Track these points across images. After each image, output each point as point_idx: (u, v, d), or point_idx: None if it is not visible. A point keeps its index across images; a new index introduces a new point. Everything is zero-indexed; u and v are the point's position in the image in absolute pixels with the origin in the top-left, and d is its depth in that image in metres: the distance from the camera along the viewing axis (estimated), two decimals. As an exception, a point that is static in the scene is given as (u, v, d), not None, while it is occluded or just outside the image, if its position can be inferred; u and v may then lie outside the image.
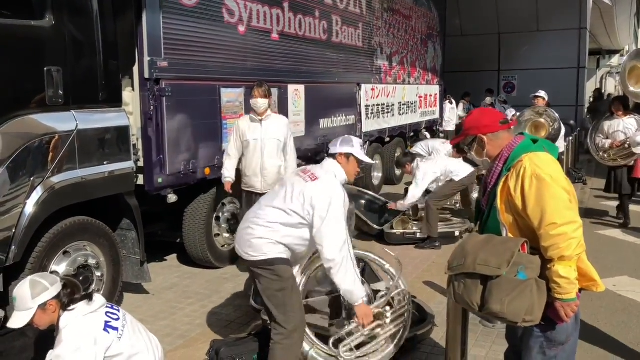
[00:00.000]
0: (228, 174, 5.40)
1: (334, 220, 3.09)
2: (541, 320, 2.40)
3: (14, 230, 3.79)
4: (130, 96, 4.91)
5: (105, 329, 2.83)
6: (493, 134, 2.59)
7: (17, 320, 2.75)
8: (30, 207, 3.87)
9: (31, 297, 2.73)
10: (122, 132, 4.63)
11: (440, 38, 13.28)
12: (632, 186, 7.72)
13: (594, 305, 4.77)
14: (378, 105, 9.78)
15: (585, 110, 16.09)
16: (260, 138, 5.29)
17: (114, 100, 4.60)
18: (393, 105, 10.48)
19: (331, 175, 3.25)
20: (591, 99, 17.00)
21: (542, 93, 8.32)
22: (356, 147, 3.38)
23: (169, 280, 5.66)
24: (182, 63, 5.24)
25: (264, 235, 3.19)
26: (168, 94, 5.03)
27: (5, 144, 3.71)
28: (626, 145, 7.52)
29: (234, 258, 6.15)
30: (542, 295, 2.36)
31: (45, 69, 3.97)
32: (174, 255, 6.42)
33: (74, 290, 2.87)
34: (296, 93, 7.13)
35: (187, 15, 5.28)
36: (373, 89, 9.53)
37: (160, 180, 5.08)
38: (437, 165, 7.01)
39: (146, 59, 4.84)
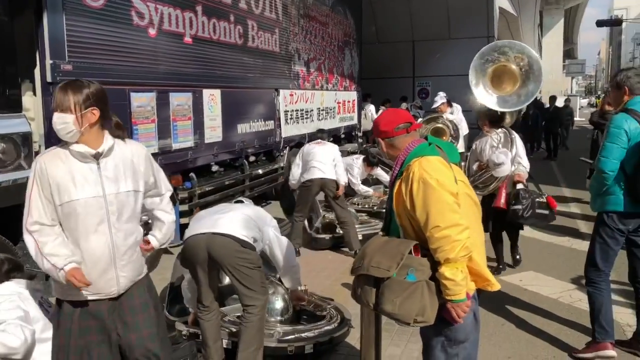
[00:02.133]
0: None
1: None
2: (440, 320, 2.47)
3: None
4: (32, 101, 4.64)
5: (39, 304, 3.02)
6: (389, 138, 2.64)
7: None
8: None
9: None
10: (23, 139, 4.38)
11: (356, 45, 13.54)
12: (498, 223, 5.70)
13: (502, 300, 5.00)
14: (297, 110, 9.82)
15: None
16: None
17: (13, 106, 4.35)
18: (312, 110, 10.56)
19: None
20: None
21: (439, 100, 8.63)
22: None
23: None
24: (89, 66, 5.02)
25: None
26: (73, 98, 4.79)
27: None
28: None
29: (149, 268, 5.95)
30: (433, 296, 2.40)
31: None
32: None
33: (12, 264, 3.10)
34: (212, 98, 7.02)
35: (93, 17, 5.07)
36: (291, 95, 9.56)
37: (66, 189, 4.82)
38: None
39: (48, 62, 4.60)
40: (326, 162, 6.51)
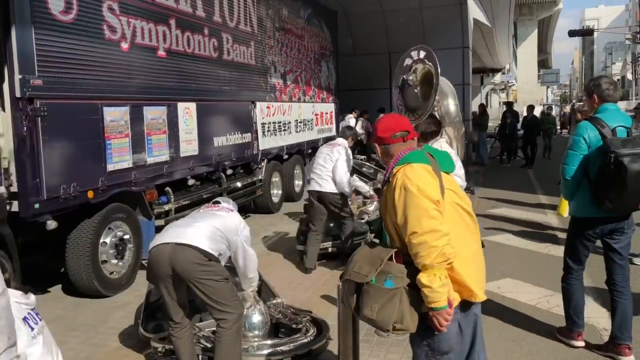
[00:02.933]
0: None
1: None
2: (424, 329, 2.46)
3: None
4: (0, 117, 4.55)
5: (23, 320, 2.75)
6: (385, 145, 2.65)
7: None
8: None
9: None
10: (-9, 156, 4.28)
11: (333, 57, 13.60)
12: None
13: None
14: (274, 122, 9.80)
15: (471, 124, 17.05)
16: None
17: (-20, 121, 4.26)
18: (289, 122, 10.55)
19: None
20: (477, 113, 18.08)
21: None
22: None
23: (53, 312, 5.26)
24: (60, 81, 4.95)
25: None
26: (43, 113, 4.72)
27: None
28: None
29: (123, 284, 5.86)
30: (413, 304, 2.40)
31: None
32: (59, 286, 5.99)
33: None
34: (187, 111, 6.97)
35: (63, 31, 5.01)
36: (268, 107, 9.54)
37: (37, 206, 4.73)
38: None
39: (17, 76, 4.52)
40: (323, 172, 6.26)
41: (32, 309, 3.14)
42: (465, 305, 2.55)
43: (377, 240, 2.73)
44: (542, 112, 21.68)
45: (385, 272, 2.39)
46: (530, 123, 16.87)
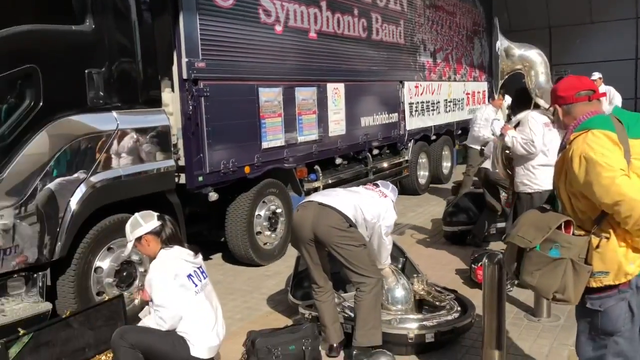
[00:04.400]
0: None
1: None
2: (585, 306, 2.36)
3: (59, 227, 3.95)
4: (170, 97, 5.03)
5: (188, 277, 3.32)
6: (568, 105, 2.50)
7: (126, 250, 3.55)
8: (73, 204, 4.02)
9: (130, 232, 3.40)
10: (162, 132, 4.76)
11: (487, 34, 13.00)
12: None
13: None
14: (422, 102, 9.66)
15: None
16: None
17: (154, 101, 4.74)
18: (438, 102, 10.32)
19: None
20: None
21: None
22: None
23: (213, 278, 5.64)
24: (220, 63, 5.34)
25: None
26: (206, 94, 5.13)
27: (49, 144, 3.88)
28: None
29: (275, 255, 6.21)
30: (579, 277, 2.28)
31: (86, 71, 4.13)
32: (219, 254, 6.52)
33: (170, 232, 3.43)
34: (336, 92, 7.13)
35: (223, 17, 5.38)
36: (417, 86, 9.42)
37: (200, 178, 5.18)
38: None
39: (184, 60, 4.96)
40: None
41: (198, 267, 3.49)
42: None
43: (547, 206, 2.58)
44: None
45: (552, 240, 2.31)
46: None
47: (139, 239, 3.39)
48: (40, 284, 3.88)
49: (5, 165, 3.67)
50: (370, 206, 3.85)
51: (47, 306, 3.84)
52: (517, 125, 4.89)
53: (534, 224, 2.41)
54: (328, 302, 3.83)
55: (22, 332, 3.31)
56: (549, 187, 4.68)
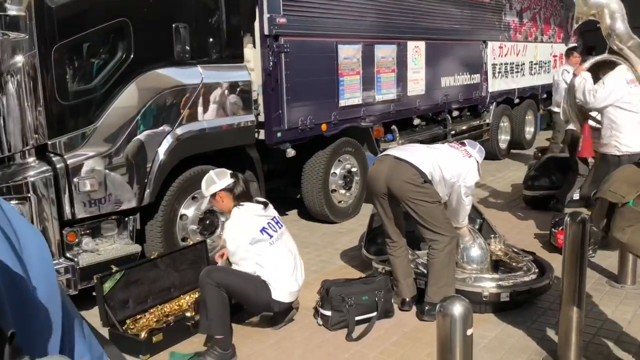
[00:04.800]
0: None
1: None
2: None
3: (147, 176, 4.18)
4: (251, 53, 5.13)
5: (261, 231, 3.50)
6: None
7: (202, 204, 4.03)
8: (161, 154, 4.24)
9: (205, 188, 3.58)
10: (244, 87, 4.88)
11: (579, -9, 12.21)
12: None
13: None
14: (506, 64, 9.29)
15: None
16: None
17: (237, 57, 4.85)
18: (523, 64, 9.89)
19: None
20: None
21: None
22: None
23: (289, 232, 5.89)
24: (300, 19, 5.36)
25: None
26: (286, 50, 5.19)
27: (138, 97, 4.08)
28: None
29: (350, 213, 6.28)
30: None
31: (173, 25, 4.28)
32: (295, 210, 6.67)
33: (242, 190, 3.57)
34: (416, 50, 6.99)
35: (305, -28, 5.38)
36: (501, 47, 9.06)
37: (279, 134, 5.28)
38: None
39: (265, 15, 5.02)
40: None
41: (271, 219, 3.61)
42: None
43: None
44: None
45: None
46: None
47: (213, 195, 3.56)
48: (131, 228, 4.15)
49: (99, 117, 3.91)
50: (452, 165, 3.79)
51: (136, 248, 4.11)
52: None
53: (627, 179, 2.37)
54: (402, 257, 3.86)
55: (115, 269, 3.57)
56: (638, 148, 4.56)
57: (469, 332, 1.94)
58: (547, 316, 3.71)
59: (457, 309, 1.95)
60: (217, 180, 3.55)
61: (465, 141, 4.15)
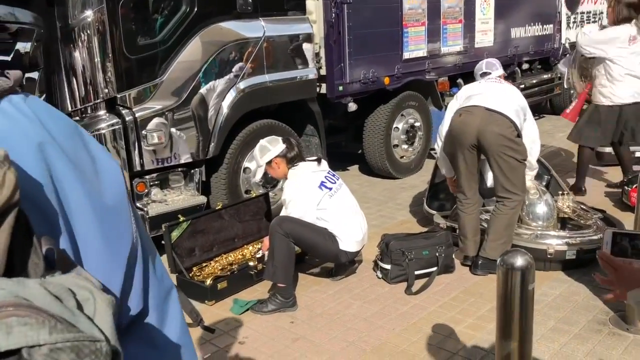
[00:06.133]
0: None
1: None
2: None
3: (211, 129, 4.27)
4: (314, 4, 5.06)
5: (320, 187, 3.56)
6: None
7: (257, 175, 3.86)
8: (224, 108, 4.30)
9: (260, 157, 3.63)
10: (306, 40, 4.84)
11: None
12: None
13: None
14: (583, 13, 8.74)
15: None
16: None
17: (298, 9, 4.81)
18: (602, 13, 9.26)
19: None
20: None
21: None
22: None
23: (349, 187, 5.85)
24: (364, -31, 5.22)
25: None
26: (349, 1, 5.08)
27: (202, 50, 4.13)
28: None
29: (412, 169, 6.21)
30: None
31: (235, -22, 4.27)
32: (356, 166, 6.67)
33: (295, 153, 3.62)
34: (485, -1, 6.69)
35: None
36: (577, -5, 8.51)
37: (340, 88, 5.24)
38: None
39: (329, -32, 4.91)
40: None
41: (327, 172, 3.64)
42: None
43: None
44: None
45: None
46: None
47: (269, 163, 3.61)
48: (197, 180, 4.28)
49: (164, 71, 3.99)
50: (521, 100, 3.71)
51: (202, 199, 4.24)
52: None
53: None
54: (473, 215, 3.79)
55: (181, 218, 3.71)
56: (630, 99, 4.61)
57: (530, 286, 1.90)
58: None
59: (519, 261, 1.91)
60: (270, 147, 3.60)
61: (485, 62, 4.21)
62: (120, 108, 3.85)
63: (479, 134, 3.52)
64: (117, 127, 3.79)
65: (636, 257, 1.28)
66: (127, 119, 3.83)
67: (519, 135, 3.55)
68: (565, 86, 5.38)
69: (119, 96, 3.84)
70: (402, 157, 6.12)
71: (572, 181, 5.32)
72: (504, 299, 1.94)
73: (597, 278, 1.29)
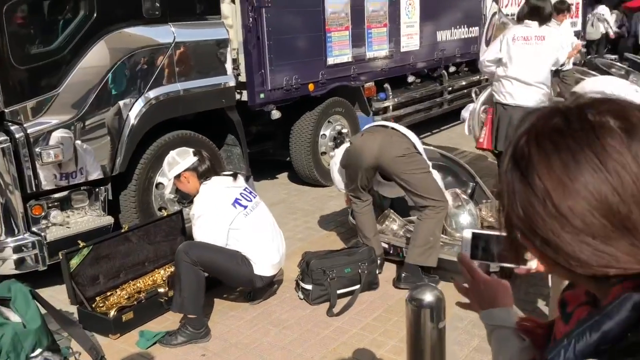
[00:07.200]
0: None
1: None
2: None
3: (117, 142, 3.94)
4: (230, 8, 4.80)
5: (233, 204, 3.29)
6: None
7: (166, 189, 3.70)
8: (132, 119, 3.99)
9: (168, 170, 3.37)
10: (221, 46, 4.58)
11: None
12: None
13: None
14: (507, 15, 8.84)
15: None
16: None
17: (212, 13, 4.54)
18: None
19: None
20: None
21: None
22: None
23: (277, 197, 5.70)
24: (283, -29, 5.00)
25: None
26: (268, 4, 4.85)
27: (104, 57, 3.81)
28: None
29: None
30: None
31: (139, -20, 3.96)
32: (285, 174, 6.45)
33: (207, 166, 3.33)
34: (410, 2, 6.61)
35: None
36: (501, -2, 8.61)
37: (262, 95, 5.00)
38: None
39: (243, -34, 4.67)
40: None
41: (243, 189, 3.40)
42: None
43: None
44: None
45: None
46: None
47: (177, 177, 3.33)
48: (102, 198, 3.94)
49: (61, 81, 3.64)
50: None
51: (109, 219, 3.91)
52: None
53: None
54: (369, 214, 3.82)
55: (81, 244, 3.37)
56: (523, 102, 4.42)
57: (441, 324, 1.74)
58: (539, 286, 3.52)
59: (428, 297, 1.74)
60: (179, 160, 3.33)
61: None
62: (9, 124, 3.47)
63: (377, 159, 3.56)
64: (4, 145, 3.40)
65: (491, 260, 1.05)
66: (17, 135, 3.45)
67: (416, 149, 3.61)
68: (467, 133, 5.23)
69: (7, 111, 3.46)
70: (329, 165, 5.94)
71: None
72: (414, 338, 1.77)
73: (455, 285, 1.12)
